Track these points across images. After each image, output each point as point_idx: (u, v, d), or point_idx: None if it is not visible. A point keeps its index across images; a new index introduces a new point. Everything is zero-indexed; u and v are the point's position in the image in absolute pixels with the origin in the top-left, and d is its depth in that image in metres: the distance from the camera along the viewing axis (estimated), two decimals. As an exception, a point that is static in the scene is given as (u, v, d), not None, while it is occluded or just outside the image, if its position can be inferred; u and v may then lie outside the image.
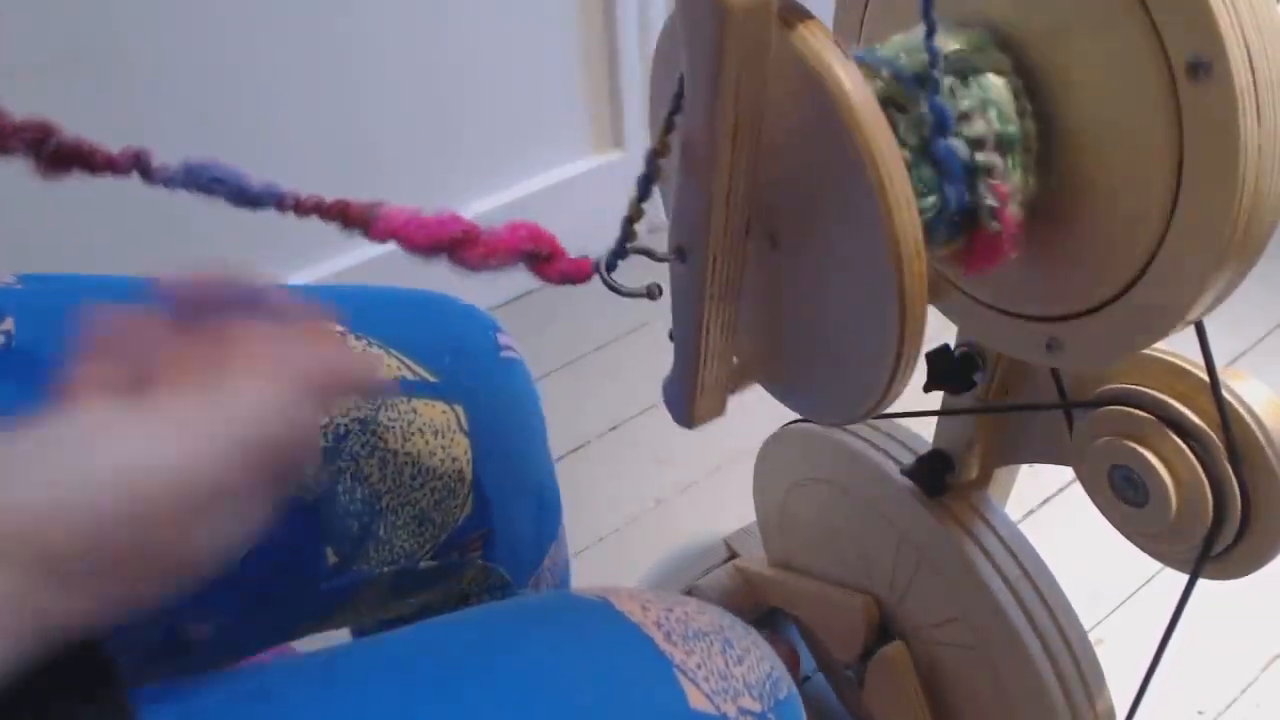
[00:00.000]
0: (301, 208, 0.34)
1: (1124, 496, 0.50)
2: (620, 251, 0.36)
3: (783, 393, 0.45)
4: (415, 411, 0.47)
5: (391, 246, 0.35)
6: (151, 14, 0.89)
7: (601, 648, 0.35)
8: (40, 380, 0.39)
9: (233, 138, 0.97)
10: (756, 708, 0.35)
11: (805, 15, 0.32)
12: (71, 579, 0.25)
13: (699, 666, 0.35)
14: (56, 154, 0.33)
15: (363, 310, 0.48)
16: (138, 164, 0.34)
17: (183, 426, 0.27)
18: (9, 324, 0.39)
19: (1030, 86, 0.37)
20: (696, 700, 0.33)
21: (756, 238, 0.38)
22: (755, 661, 0.37)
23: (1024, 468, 0.66)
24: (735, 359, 0.40)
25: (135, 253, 0.89)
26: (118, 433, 0.27)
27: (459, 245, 0.34)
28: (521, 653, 0.33)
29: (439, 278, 0.37)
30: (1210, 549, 0.49)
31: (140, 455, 0.26)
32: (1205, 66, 0.32)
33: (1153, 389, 0.49)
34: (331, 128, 1.06)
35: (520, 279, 0.37)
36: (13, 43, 0.84)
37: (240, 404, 0.28)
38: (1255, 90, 0.32)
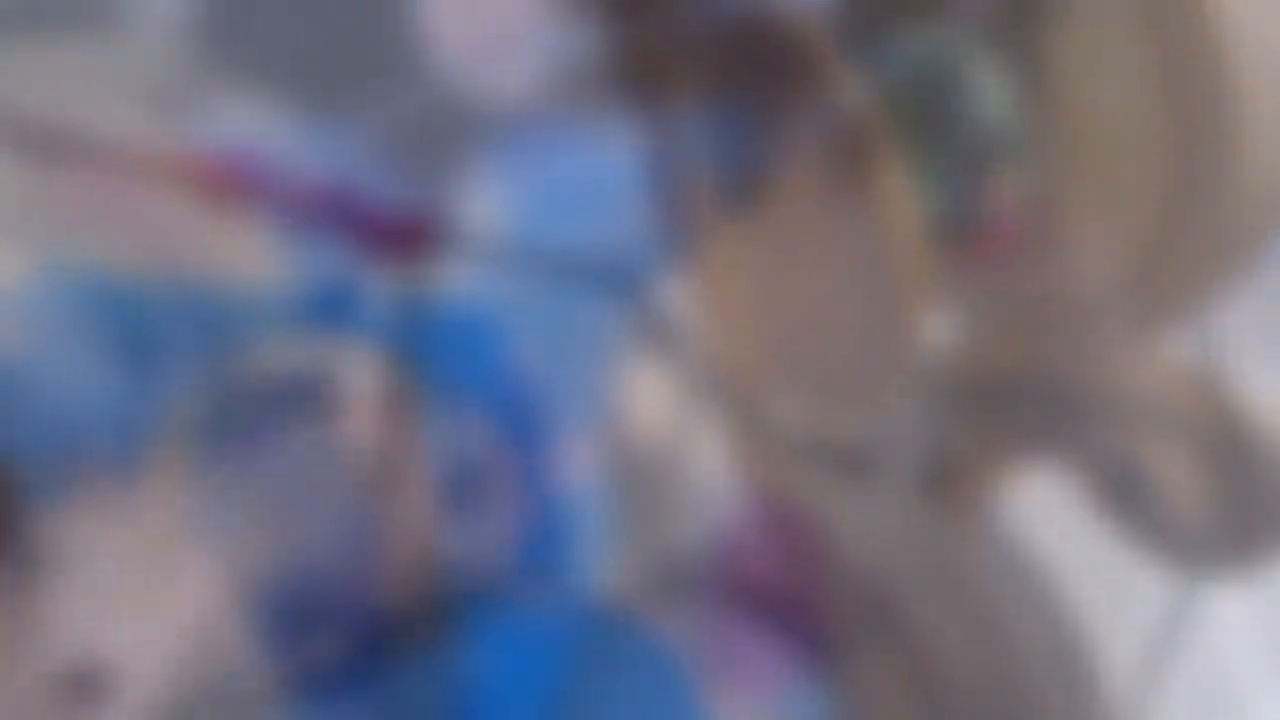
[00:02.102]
0: None
1: (1124, 497, 0.50)
2: None
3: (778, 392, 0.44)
4: None
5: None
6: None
7: (622, 661, 0.34)
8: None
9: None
10: None
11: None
12: None
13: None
14: None
15: None
16: None
17: None
18: None
19: (1031, 81, 0.37)
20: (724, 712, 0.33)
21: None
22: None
23: (1025, 468, 0.66)
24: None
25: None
26: None
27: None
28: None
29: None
30: (1213, 551, 0.48)
31: None
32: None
33: (1153, 388, 0.49)
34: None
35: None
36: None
37: None
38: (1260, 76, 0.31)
